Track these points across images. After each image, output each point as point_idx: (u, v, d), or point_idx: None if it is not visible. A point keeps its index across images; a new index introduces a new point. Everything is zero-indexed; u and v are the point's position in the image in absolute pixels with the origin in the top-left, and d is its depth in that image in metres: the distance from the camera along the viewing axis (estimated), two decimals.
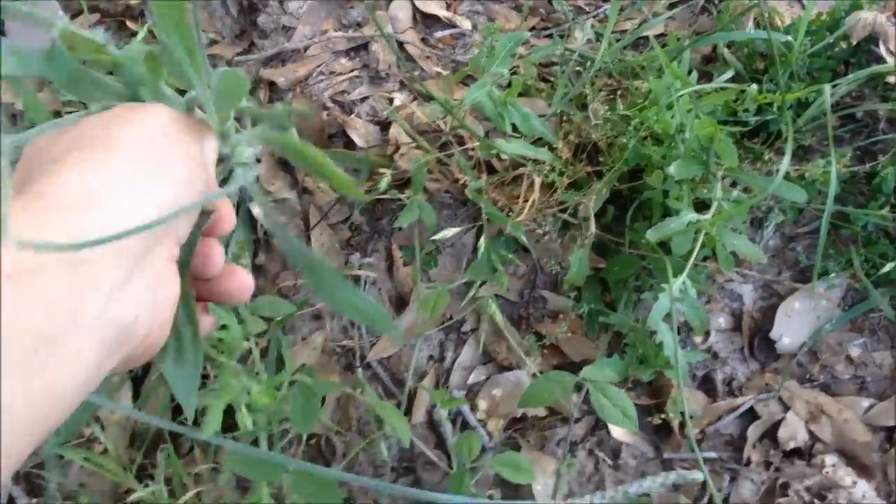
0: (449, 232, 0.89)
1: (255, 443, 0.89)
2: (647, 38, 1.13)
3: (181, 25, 0.79)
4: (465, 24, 1.11)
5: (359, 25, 1.08)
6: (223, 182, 1.00)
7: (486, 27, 0.98)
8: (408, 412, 0.95)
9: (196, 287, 0.46)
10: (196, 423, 0.93)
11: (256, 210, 1.00)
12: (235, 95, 0.69)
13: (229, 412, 0.88)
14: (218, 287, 0.46)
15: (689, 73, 1.01)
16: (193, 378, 0.47)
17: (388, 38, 0.79)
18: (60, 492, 0.88)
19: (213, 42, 1.07)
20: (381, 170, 0.93)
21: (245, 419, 0.78)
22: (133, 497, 0.86)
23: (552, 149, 0.98)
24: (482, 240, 0.90)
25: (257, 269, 0.97)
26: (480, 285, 0.97)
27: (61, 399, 0.30)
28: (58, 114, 1.04)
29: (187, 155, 0.39)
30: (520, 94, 0.93)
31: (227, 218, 0.47)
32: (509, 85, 0.93)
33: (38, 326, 0.29)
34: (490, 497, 0.92)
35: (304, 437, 0.92)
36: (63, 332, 0.30)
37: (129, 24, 1.06)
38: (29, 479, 0.93)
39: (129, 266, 0.34)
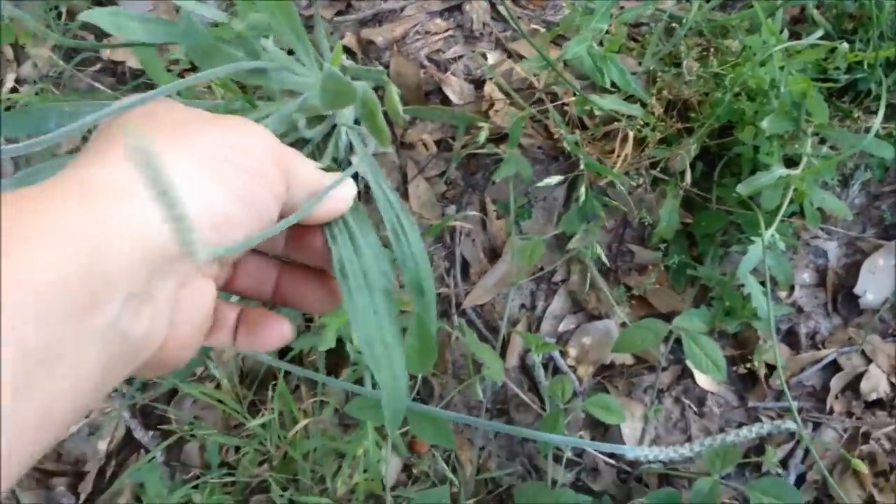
0: (553, 179, 0.93)
1: (360, 382, 0.94)
2: None
3: (280, 5, 0.83)
4: None
5: None
6: (326, 138, 1.05)
7: None
8: (501, 357, 0.99)
9: (281, 288, 0.44)
10: (301, 362, 0.99)
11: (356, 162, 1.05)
12: (343, 102, 0.73)
13: (334, 353, 0.94)
14: (304, 290, 0.44)
15: (781, 31, 1.02)
16: (402, 392, 0.46)
17: None
18: (177, 424, 0.95)
19: (309, 2, 1.12)
20: (479, 125, 0.97)
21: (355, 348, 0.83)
22: (246, 430, 0.91)
23: (643, 105, 1.00)
24: (582, 190, 0.93)
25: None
26: (572, 237, 1.01)
27: (54, 422, 0.27)
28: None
29: (254, 173, 0.35)
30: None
31: (341, 199, 0.43)
32: (601, 44, 0.95)
33: (30, 342, 0.26)
34: (580, 438, 0.96)
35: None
36: (62, 346, 0.27)
37: None
38: (145, 412, 1.00)
39: (148, 276, 0.30)
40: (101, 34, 1.12)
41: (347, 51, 1.08)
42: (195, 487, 0.87)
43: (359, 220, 0.45)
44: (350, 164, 1.10)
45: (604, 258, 0.98)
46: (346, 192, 0.43)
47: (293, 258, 0.45)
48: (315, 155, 1.00)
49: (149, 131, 0.33)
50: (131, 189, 0.30)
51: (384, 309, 0.45)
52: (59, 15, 1.09)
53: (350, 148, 1.05)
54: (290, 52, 0.88)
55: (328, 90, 0.72)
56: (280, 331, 0.42)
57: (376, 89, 1.07)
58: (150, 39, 0.73)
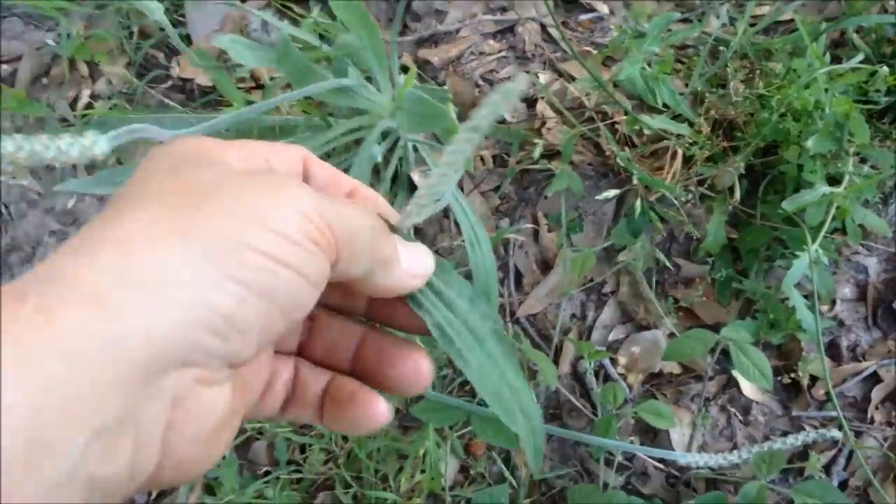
0: (610, 193, 0.97)
1: None
2: (776, 22, 1.19)
3: (368, 27, 0.89)
4: (603, 9, 1.18)
5: (504, 9, 1.17)
6: (389, 152, 1.09)
7: (633, 9, 1.05)
8: (554, 364, 1.03)
9: (361, 359, 0.38)
10: None
11: (416, 177, 1.09)
12: (432, 125, 0.77)
13: None
14: (388, 370, 0.37)
15: (823, 55, 1.07)
16: (540, 429, 0.46)
17: (555, 20, 0.87)
18: (246, 423, 0.99)
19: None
20: (535, 141, 1.02)
21: None
22: (313, 430, 0.96)
23: (691, 124, 1.05)
24: (637, 204, 0.98)
25: (416, 233, 1.07)
26: (621, 250, 1.05)
27: None
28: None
29: (280, 260, 0.28)
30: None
31: (418, 276, 0.36)
32: (648, 65, 1.00)
33: None
34: (630, 443, 1.00)
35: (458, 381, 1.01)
36: None
37: (295, 8, 1.17)
38: None
39: (126, 401, 0.24)
40: (169, 53, 1.17)
41: (406, 71, 1.13)
42: (266, 483, 0.92)
43: (441, 273, 0.39)
44: (409, 178, 1.15)
45: (666, 262, 1.02)
46: (423, 266, 0.36)
47: (378, 321, 0.39)
48: (380, 168, 1.05)
49: (167, 198, 0.28)
50: (114, 289, 0.24)
51: (500, 353, 0.41)
52: (131, 34, 1.15)
53: (414, 161, 1.10)
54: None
55: (415, 113, 0.77)
56: (372, 412, 0.36)
57: None
58: (257, 63, 0.78)
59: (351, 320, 0.39)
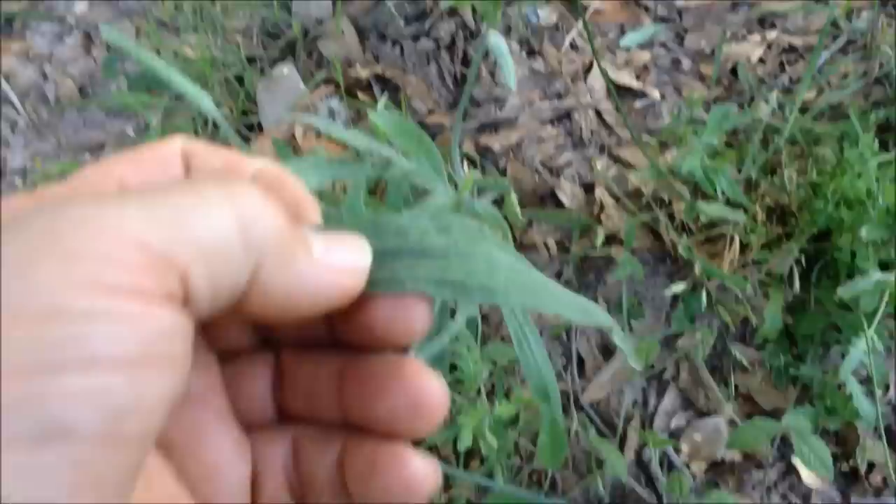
0: (679, 287, 1.00)
1: (490, 476, 1.00)
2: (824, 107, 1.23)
3: (424, 148, 0.94)
4: (655, 94, 1.22)
5: (559, 96, 1.20)
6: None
7: (688, 98, 1.09)
8: (619, 451, 1.05)
9: (346, 405, 0.26)
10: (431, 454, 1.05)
11: None
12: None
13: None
14: (383, 405, 0.25)
15: (871, 141, 1.10)
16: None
17: (618, 106, 0.90)
18: None
19: (430, 111, 1.21)
20: (596, 228, 1.05)
21: (490, 440, 0.89)
22: None
23: (745, 211, 1.08)
24: (702, 295, 1.00)
25: (483, 319, 1.09)
26: (679, 336, 1.08)
27: None
28: None
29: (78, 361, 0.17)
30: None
31: (347, 270, 0.24)
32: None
33: None
34: None
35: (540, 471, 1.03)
36: None
37: (360, 94, 1.21)
38: None
39: None
40: (243, 141, 1.21)
41: (467, 158, 1.16)
42: None
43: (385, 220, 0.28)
44: None
45: (734, 349, 1.04)
46: (349, 257, 0.24)
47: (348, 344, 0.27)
48: None
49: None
50: None
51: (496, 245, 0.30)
52: (206, 123, 1.19)
53: None
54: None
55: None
56: (404, 477, 0.24)
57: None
58: (324, 181, 0.82)
59: (324, 354, 0.27)
